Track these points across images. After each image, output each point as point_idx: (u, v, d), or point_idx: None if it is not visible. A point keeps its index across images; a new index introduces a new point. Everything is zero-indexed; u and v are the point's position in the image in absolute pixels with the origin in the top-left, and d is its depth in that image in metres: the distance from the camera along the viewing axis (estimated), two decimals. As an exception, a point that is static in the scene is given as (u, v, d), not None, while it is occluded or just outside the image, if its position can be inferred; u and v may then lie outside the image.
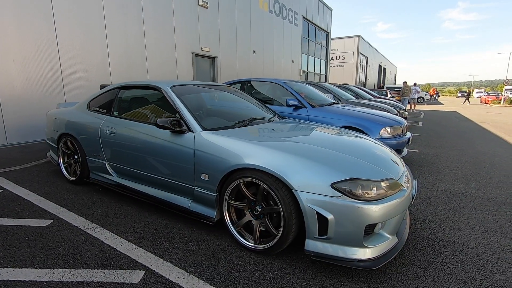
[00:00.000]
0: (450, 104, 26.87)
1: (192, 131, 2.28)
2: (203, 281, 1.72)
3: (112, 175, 2.91)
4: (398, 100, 14.09)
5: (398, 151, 4.14)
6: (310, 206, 1.73)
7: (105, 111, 3.04)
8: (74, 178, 3.30)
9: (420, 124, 10.09)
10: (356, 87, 10.98)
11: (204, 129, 2.29)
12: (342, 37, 31.02)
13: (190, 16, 8.98)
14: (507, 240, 2.24)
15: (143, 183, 2.66)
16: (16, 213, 2.59)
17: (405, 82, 14.66)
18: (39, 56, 5.56)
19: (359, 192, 1.70)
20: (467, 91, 32.24)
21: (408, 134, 4.40)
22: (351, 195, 1.69)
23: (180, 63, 8.79)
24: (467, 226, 2.47)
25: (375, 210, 1.68)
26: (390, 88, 22.20)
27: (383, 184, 1.80)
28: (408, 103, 18.36)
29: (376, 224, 1.75)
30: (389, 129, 3.98)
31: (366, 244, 1.72)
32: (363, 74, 34.01)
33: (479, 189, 3.38)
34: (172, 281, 1.72)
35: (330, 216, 1.69)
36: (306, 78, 18.58)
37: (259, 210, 2.01)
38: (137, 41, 7.46)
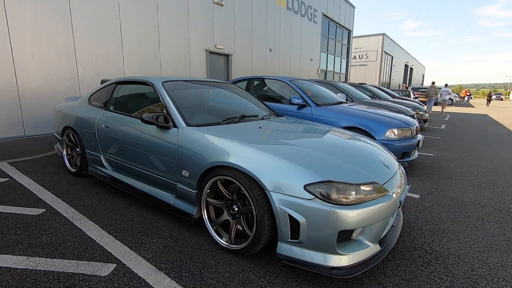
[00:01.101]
0: (482, 106, 25.25)
1: (177, 127, 2.26)
2: (170, 279, 1.69)
3: (106, 168, 2.97)
4: (423, 102, 13.40)
5: (407, 154, 3.92)
6: (282, 208, 1.65)
7: (102, 105, 3.11)
8: (75, 170, 3.40)
9: (443, 126, 9.54)
10: (375, 86, 10.56)
11: (188, 125, 2.26)
12: (366, 35, 30.08)
13: (204, 14, 9.03)
14: (511, 255, 2.03)
15: (132, 177, 2.69)
16: (14, 201, 2.71)
17: (433, 83, 13.93)
18: (56, 52, 5.81)
19: (334, 195, 1.60)
20: (489, 92, 30.63)
21: (419, 137, 4.15)
22: (325, 198, 1.59)
23: (194, 60, 8.87)
24: (468, 237, 2.27)
25: (351, 216, 1.57)
26: (416, 89, 21.23)
27: (363, 188, 1.68)
28: (435, 104, 17.42)
29: (354, 230, 1.64)
30: (396, 131, 3.77)
31: (341, 251, 1.62)
32: (387, 73, 32.81)
33: (491, 198, 3.11)
34: (139, 276, 1.71)
35: (302, 219, 1.60)
36: (325, 77, 18.19)
37: (236, 209, 1.95)
38: (151, 37, 7.60)
